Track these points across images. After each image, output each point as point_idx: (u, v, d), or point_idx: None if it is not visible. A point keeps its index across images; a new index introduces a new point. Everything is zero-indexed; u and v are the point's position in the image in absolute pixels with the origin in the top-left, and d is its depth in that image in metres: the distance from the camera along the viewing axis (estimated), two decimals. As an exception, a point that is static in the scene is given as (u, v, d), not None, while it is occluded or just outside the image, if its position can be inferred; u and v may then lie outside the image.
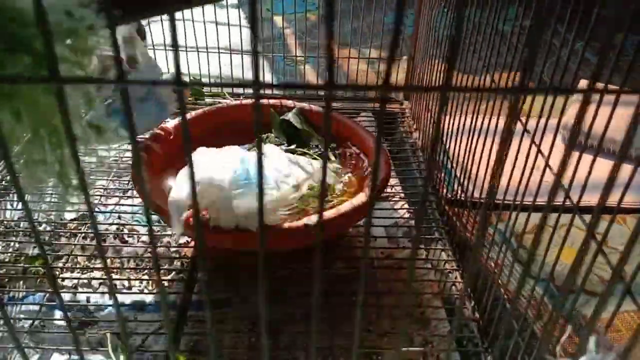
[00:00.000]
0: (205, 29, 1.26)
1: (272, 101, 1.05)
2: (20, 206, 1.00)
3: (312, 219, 0.75)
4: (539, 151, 0.62)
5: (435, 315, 0.81)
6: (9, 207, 1.00)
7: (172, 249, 0.93)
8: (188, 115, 0.98)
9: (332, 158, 0.96)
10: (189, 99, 1.29)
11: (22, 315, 0.82)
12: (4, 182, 1.01)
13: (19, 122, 0.26)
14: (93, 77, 0.22)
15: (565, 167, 0.32)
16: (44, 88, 0.23)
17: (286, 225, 0.74)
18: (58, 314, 0.82)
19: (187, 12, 1.30)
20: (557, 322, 0.51)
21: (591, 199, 0.47)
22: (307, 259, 0.87)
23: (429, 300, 0.84)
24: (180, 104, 0.21)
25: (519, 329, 0.66)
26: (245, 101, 1.07)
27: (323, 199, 0.26)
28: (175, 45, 0.21)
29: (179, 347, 0.75)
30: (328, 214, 0.76)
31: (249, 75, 1.35)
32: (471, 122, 0.86)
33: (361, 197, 0.80)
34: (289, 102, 1.04)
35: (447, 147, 0.99)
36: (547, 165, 0.59)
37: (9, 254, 0.91)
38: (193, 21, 1.25)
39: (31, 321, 0.79)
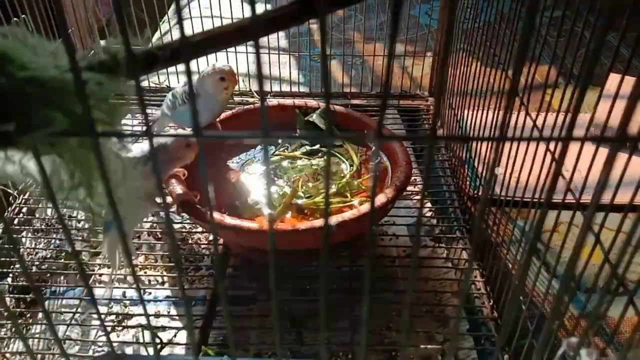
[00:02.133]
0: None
1: (297, 102, 1.08)
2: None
3: (333, 219, 0.78)
4: (548, 150, 0.64)
5: (455, 314, 0.83)
6: (49, 205, 1.05)
7: (203, 246, 0.97)
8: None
9: (354, 158, 0.99)
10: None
11: (63, 309, 0.87)
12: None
13: (61, 161, 0.29)
14: (124, 132, 0.25)
15: (562, 163, 0.34)
16: (80, 141, 0.26)
17: (307, 225, 0.77)
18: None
19: (215, 9, 1.34)
20: (558, 319, 0.53)
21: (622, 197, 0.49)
22: (332, 257, 0.90)
23: (449, 299, 0.86)
24: (200, 154, 0.24)
25: (533, 329, 0.68)
26: (271, 103, 1.09)
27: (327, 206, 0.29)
28: (192, 97, 0.24)
29: (207, 342, 0.79)
30: (348, 214, 0.79)
31: (275, 72, 1.38)
32: (493, 118, 0.87)
33: (381, 198, 0.82)
34: (314, 103, 1.07)
35: (470, 143, 1.00)
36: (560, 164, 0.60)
37: (50, 251, 0.96)
38: (221, 18, 1.28)
39: (71, 314, 0.85)
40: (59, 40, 0.24)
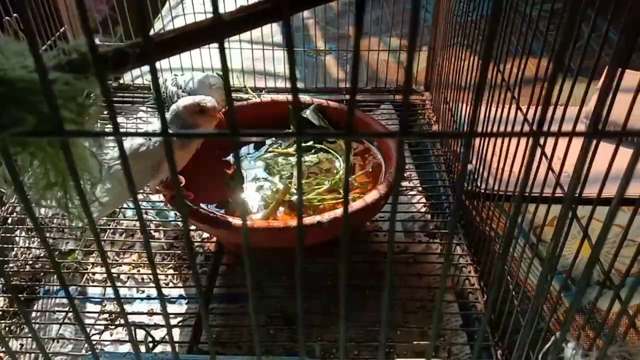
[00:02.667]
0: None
1: (290, 98, 1.07)
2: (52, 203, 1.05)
3: (325, 216, 0.78)
4: (537, 143, 0.63)
5: (448, 310, 0.83)
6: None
7: (196, 244, 0.97)
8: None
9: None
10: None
11: (56, 308, 0.87)
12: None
13: (33, 161, 0.29)
14: (92, 131, 0.25)
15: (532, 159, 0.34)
16: (50, 141, 0.26)
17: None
18: (89, 307, 0.87)
19: (207, 5, 1.33)
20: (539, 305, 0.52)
21: (612, 190, 0.47)
22: (326, 254, 0.90)
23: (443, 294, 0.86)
24: (168, 153, 0.24)
25: (524, 325, 0.67)
26: (264, 99, 1.09)
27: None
28: (160, 103, 0.24)
29: (199, 339, 0.79)
30: (339, 212, 0.78)
31: (270, 68, 1.38)
32: (486, 111, 0.86)
33: (374, 194, 0.82)
34: (307, 99, 1.06)
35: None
36: (547, 157, 0.60)
37: (43, 249, 0.96)
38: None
39: (64, 313, 0.85)
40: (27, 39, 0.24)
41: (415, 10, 0.20)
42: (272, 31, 1.47)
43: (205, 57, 1.29)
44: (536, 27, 0.68)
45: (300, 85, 1.39)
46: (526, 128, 0.68)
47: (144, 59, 0.26)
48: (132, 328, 0.82)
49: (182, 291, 0.89)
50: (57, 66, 0.26)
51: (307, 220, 0.78)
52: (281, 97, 1.09)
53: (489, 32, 0.24)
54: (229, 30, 0.27)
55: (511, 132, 0.22)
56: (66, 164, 0.27)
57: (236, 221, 0.77)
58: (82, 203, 0.26)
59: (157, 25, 1.52)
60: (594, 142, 0.45)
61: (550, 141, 0.62)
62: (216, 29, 0.21)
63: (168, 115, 0.80)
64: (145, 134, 0.23)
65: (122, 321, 0.84)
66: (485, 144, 0.84)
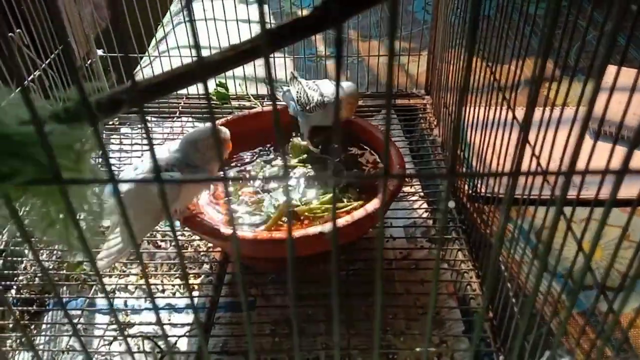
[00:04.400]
0: (226, 27, 1.28)
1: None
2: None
3: (327, 226, 0.79)
4: (532, 149, 0.64)
5: (450, 316, 0.84)
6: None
7: (202, 253, 0.99)
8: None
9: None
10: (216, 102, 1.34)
11: (65, 320, 0.89)
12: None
13: (35, 202, 0.30)
14: (88, 178, 0.26)
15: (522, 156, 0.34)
16: (49, 187, 0.27)
17: (301, 233, 0.78)
18: (99, 318, 0.89)
19: (208, 11, 1.34)
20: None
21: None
22: (329, 261, 0.91)
23: (444, 300, 0.87)
24: (163, 199, 0.25)
25: (525, 330, 0.68)
26: (266, 109, 1.10)
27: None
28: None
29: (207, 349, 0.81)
30: (341, 221, 0.79)
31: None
32: (485, 113, 0.86)
33: (375, 203, 0.83)
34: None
35: (469, 140, 0.99)
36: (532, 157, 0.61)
37: (52, 262, 0.98)
38: (215, 20, 1.28)
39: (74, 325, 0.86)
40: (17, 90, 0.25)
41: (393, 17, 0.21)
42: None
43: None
44: (533, 23, 0.67)
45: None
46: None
47: (135, 104, 0.28)
48: (141, 339, 0.84)
49: (189, 301, 0.91)
50: (53, 115, 0.27)
51: (310, 230, 0.79)
52: (284, 104, 1.10)
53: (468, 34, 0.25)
54: (217, 69, 0.28)
55: (489, 173, 0.23)
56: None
57: (239, 233, 0.79)
58: (82, 243, 0.27)
59: (159, 35, 1.53)
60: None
61: (548, 140, 0.62)
62: (201, 72, 0.23)
63: (181, 145, 0.78)
64: (140, 181, 0.24)
65: (131, 332, 0.86)
66: (485, 144, 0.84)
